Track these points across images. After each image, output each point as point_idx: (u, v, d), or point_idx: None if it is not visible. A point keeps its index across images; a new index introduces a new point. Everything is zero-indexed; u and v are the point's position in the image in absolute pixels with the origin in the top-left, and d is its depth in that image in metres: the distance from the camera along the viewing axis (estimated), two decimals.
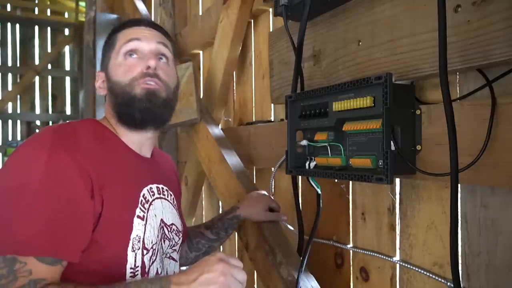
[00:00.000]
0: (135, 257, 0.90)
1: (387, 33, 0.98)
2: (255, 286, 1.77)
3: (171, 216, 1.06)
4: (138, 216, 0.93)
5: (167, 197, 1.06)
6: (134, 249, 0.90)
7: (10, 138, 6.21)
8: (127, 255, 0.89)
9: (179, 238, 1.09)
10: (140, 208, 0.94)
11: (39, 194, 0.80)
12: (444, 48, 0.75)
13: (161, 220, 1.00)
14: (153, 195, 1.00)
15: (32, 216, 0.79)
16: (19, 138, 6.23)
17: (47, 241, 0.79)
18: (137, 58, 0.99)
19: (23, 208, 0.79)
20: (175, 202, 1.11)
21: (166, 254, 1.03)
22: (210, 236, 1.29)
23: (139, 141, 1.03)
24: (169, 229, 1.04)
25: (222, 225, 1.29)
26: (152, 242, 0.95)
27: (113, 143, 0.98)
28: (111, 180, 0.89)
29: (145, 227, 0.93)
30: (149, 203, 0.97)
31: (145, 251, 0.93)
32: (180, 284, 0.79)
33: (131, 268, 0.90)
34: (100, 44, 3.13)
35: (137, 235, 0.91)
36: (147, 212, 0.95)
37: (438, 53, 0.76)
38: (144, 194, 0.97)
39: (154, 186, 1.01)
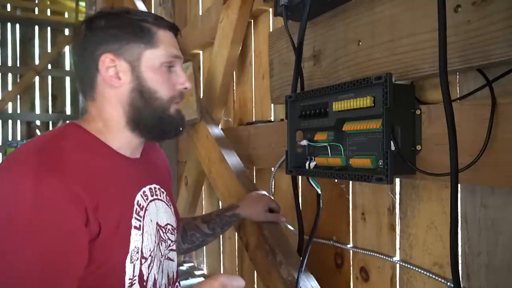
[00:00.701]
0: (134, 268, 0.88)
1: (387, 33, 0.98)
2: (255, 286, 1.77)
3: (166, 216, 1.03)
4: (135, 227, 0.89)
5: (160, 196, 1.03)
6: (133, 260, 0.88)
7: (10, 138, 6.21)
8: (125, 267, 0.87)
9: (175, 236, 1.08)
10: (136, 218, 0.91)
11: (29, 231, 0.74)
12: (444, 48, 0.75)
13: (156, 223, 0.98)
14: (147, 199, 0.97)
15: (24, 256, 0.74)
16: (19, 138, 6.22)
17: (42, 281, 0.75)
18: (172, 73, 0.96)
19: (12, 248, 0.74)
20: (168, 199, 1.07)
21: (165, 256, 1.01)
22: (206, 230, 1.27)
23: (135, 144, 0.98)
24: (164, 230, 1.01)
25: (219, 221, 1.28)
26: (150, 250, 0.93)
27: (101, 151, 0.91)
28: (105, 195, 0.84)
29: (142, 237, 0.91)
30: (144, 209, 0.94)
31: (143, 260, 0.91)
32: None
33: (129, 279, 0.88)
34: None
35: (135, 247, 0.89)
36: (143, 219, 0.93)
37: (438, 53, 0.76)
38: (138, 201, 0.93)
39: (147, 188, 0.98)
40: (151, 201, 0.98)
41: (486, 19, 0.77)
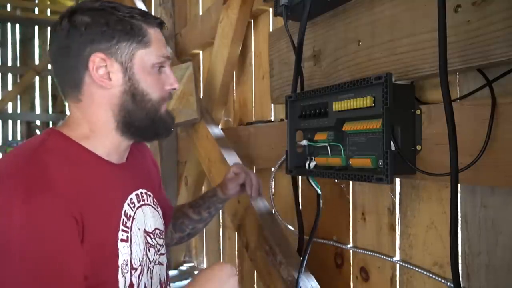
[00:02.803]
0: (125, 280, 0.86)
1: (387, 33, 0.98)
2: (255, 286, 1.77)
3: (153, 221, 0.99)
4: (122, 240, 0.86)
5: (147, 200, 0.99)
6: (123, 273, 0.86)
7: (10, 138, 6.21)
8: (118, 281, 0.84)
9: (163, 239, 1.05)
10: (123, 230, 0.87)
11: (24, 257, 0.70)
12: (444, 48, 0.75)
13: (144, 230, 0.94)
14: (134, 206, 0.93)
15: (22, 282, 0.70)
16: (19, 138, 6.22)
17: None
18: (161, 74, 0.92)
19: (11, 275, 0.70)
20: (154, 201, 1.03)
21: (155, 262, 0.98)
22: (192, 216, 1.23)
23: (124, 148, 0.94)
24: (152, 236, 0.98)
25: (203, 204, 1.23)
26: (139, 260, 0.90)
27: (86, 161, 0.86)
28: (92, 212, 0.80)
29: (130, 248, 0.88)
30: (131, 219, 0.91)
31: (133, 271, 0.89)
32: None
33: None
34: None
35: (124, 260, 0.86)
36: (131, 230, 0.89)
37: (438, 53, 0.76)
38: (125, 211, 0.89)
39: (133, 195, 0.94)
40: (138, 208, 0.94)
41: (486, 19, 0.77)
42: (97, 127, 0.88)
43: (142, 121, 0.90)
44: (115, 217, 0.87)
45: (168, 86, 0.93)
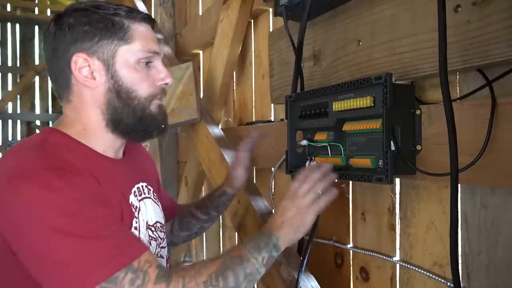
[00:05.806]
0: None
1: (387, 33, 0.98)
2: (255, 286, 1.77)
3: (154, 214, 1.01)
4: (135, 227, 0.89)
5: (148, 194, 1.00)
6: None
7: (10, 138, 6.21)
8: None
9: (164, 233, 1.06)
10: (135, 218, 0.91)
11: (91, 214, 0.76)
12: (444, 48, 0.75)
13: (146, 222, 0.96)
14: (137, 199, 0.95)
15: (105, 229, 0.76)
16: (19, 138, 6.22)
17: (133, 243, 0.79)
18: (151, 69, 0.91)
19: (92, 229, 0.75)
20: (154, 195, 1.05)
21: (157, 255, 0.99)
22: (200, 216, 1.24)
23: (119, 145, 0.95)
24: (153, 229, 1.00)
25: (211, 204, 1.24)
26: None
27: (87, 154, 0.88)
28: (109, 199, 0.84)
29: (139, 237, 0.90)
30: (137, 209, 0.93)
31: None
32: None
33: None
34: None
35: None
36: (139, 220, 0.92)
37: (438, 53, 0.76)
38: (132, 202, 0.92)
39: (135, 188, 0.96)
40: (140, 200, 0.96)
41: (486, 19, 0.77)
42: (89, 126, 0.90)
43: (129, 118, 0.89)
44: (127, 206, 0.90)
45: (159, 82, 0.92)
